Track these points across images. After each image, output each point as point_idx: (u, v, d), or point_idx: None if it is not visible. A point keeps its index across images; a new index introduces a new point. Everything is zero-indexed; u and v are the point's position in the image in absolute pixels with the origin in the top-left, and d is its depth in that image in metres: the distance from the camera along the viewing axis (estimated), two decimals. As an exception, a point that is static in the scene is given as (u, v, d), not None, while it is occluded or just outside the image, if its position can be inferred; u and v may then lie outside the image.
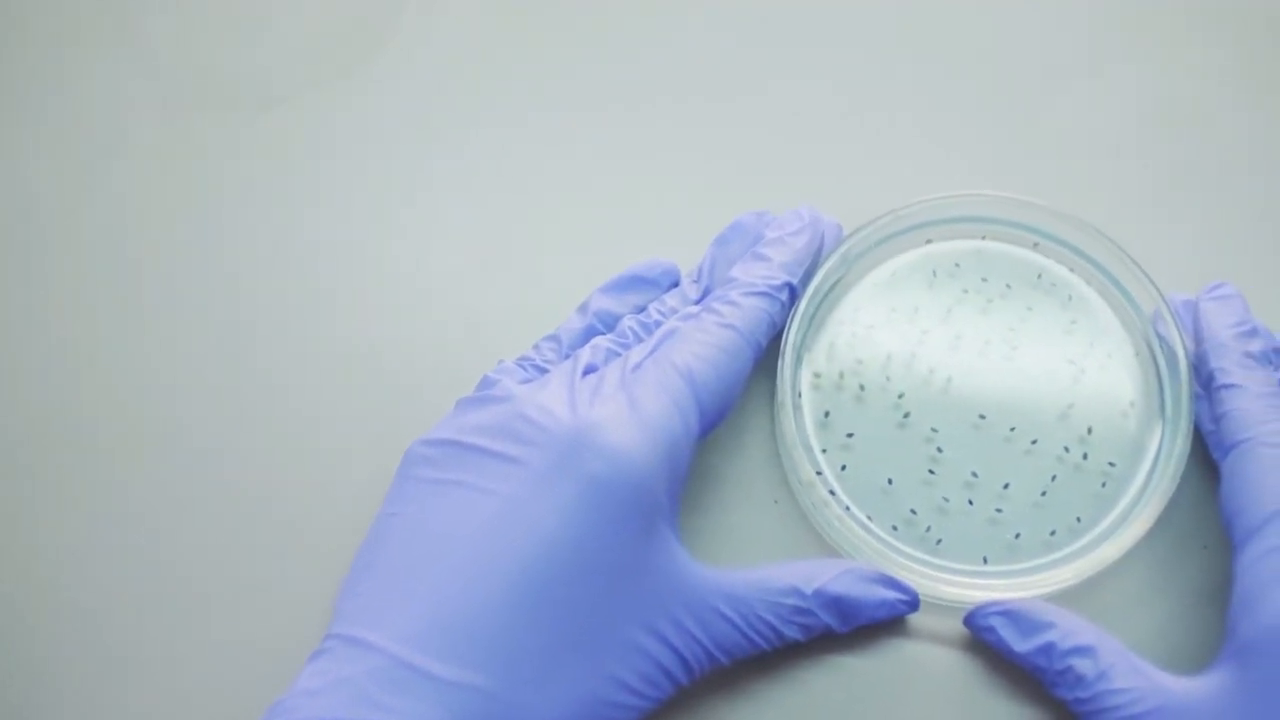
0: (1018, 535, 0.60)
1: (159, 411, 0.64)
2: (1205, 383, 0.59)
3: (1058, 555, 0.59)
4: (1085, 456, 0.61)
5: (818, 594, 0.56)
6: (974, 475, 0.60)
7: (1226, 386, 0.58)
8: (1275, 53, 0.72)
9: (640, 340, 0.59)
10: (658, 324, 0.60)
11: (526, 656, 0.52)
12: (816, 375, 0.62)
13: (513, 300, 0.65)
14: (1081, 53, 0.72)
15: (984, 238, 0.65)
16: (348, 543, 0.58)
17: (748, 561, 0.57)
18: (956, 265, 0.65)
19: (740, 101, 0.70)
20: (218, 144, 0.69)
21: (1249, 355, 0.59)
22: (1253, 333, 0.60)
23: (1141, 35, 0.73)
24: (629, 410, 0.54)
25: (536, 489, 0.53)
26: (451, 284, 0.66)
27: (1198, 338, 0.60)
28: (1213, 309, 0.60)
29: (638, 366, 0.57)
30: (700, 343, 0.57)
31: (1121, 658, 0.54)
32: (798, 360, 0.62)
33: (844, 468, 0.61)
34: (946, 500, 0.60)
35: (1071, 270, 0.64)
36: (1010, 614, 0.57)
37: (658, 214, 0.67)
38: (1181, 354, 0.60)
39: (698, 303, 0.61)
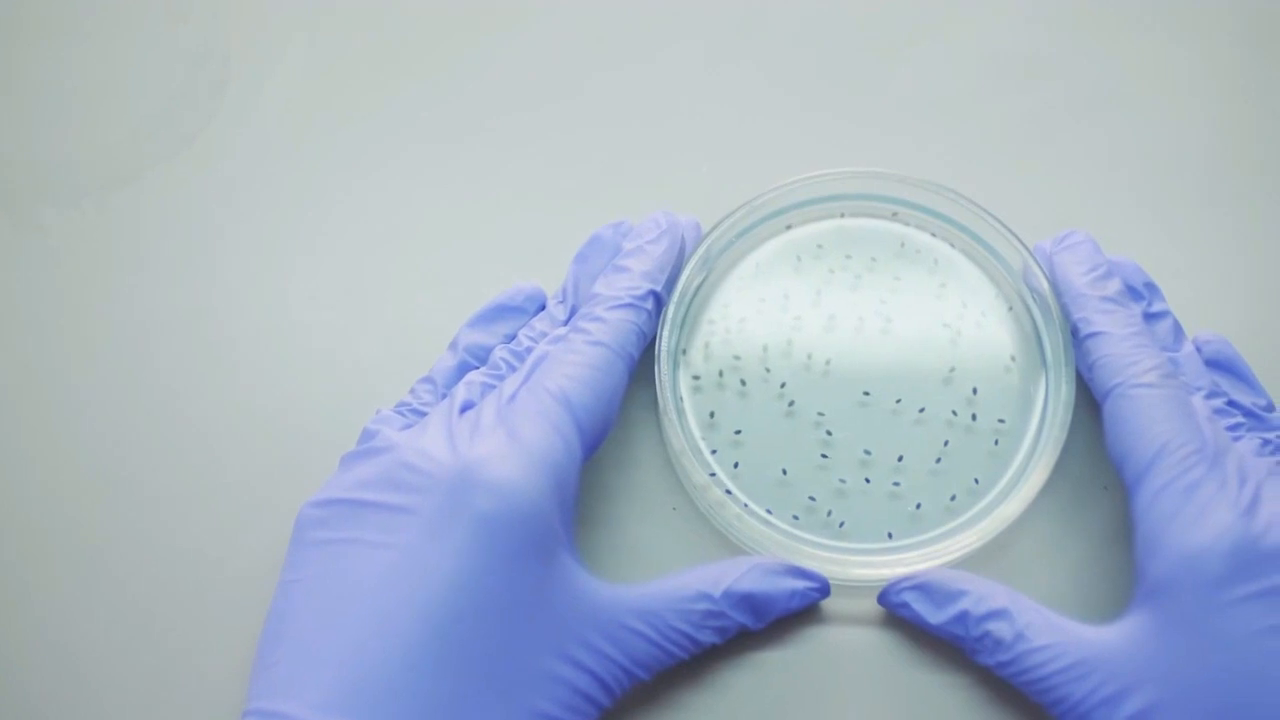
0: (918, 506, 0.59)
1: (33, 502, 0.62)
2: (1072, 334, 0.60)
3: (961, 519, 0.59)
4: (974, 417, 0.61)
5: (727, 595, 0.55)
6: (867, 453, 0.60)
7: (1091, 335, 0.58)
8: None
9: (514, 369, 0.59)
10: (529, 350, 0.59)
11: (443, 703, 0.51)
12: (695, 378, 0.62)
13: (386, 346, 0.65)
14: (915, 17, 0.73)
15: (843, 215, 0.65)
16: (251, 614, 0.57)
17: (655, 572, 0.57)
18: (819, 246, 0.65)
19: (580, 112, 0.70)
20: (67, 230, 0.68)
21: (1107, 299, 0.59)
22: (1107, 275, 0.60)
23: (971, -8, 0.73)
24: (509, 443, 0.54)
25: (429, 535, 0.53)
26: (321, 338, 0.65)
27: (1056, 291, 0.61)
28: (1065, 260, 0.61)
29: (513, 397, 0.56)
30: (571, 364, 0.57)
31: (1037, 615, 0.54)
32: (674, 365, 0.62)
33: (737, 465, 0.60)
34: (843, 482, 0.60)
35: (934, 235, 0.65)
36: (922, 587, 0.57)
37: (517, 238, 0.67)
38: (1054, 302, 0.60)
39: (566, 323, 0.60)
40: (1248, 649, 0.51)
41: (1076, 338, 0.59)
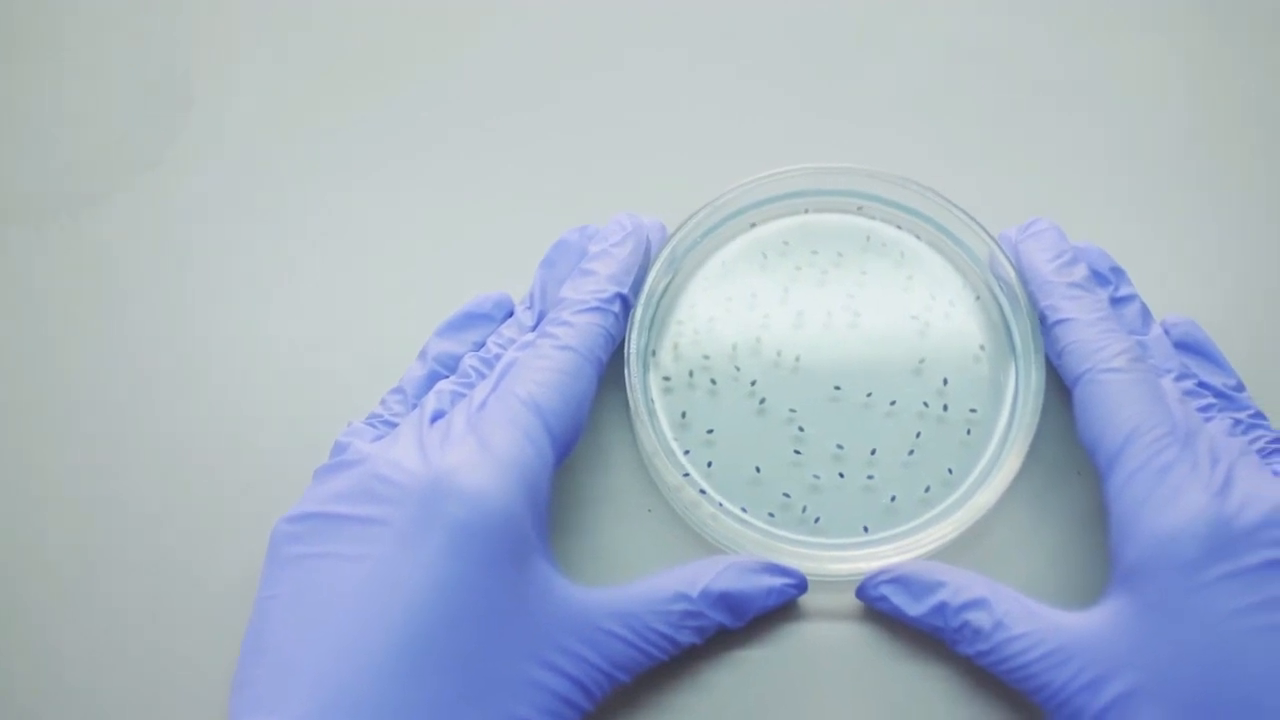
0: (893, 498, 0.60)
1: (6, 523, 0.62)
2: (1040, 321, 0.60)
3: (936, 511, 0.59)
4: (946, 408, 0.61)
5: (704, 594, 0.55)
6: (840, 447, 0.60)
7: (1059, 322, 0.59)
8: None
9: (483, 377, 0.59)
10: (498, 357, 0.59)
11: (422, 713, 0.51)
12: (666, 379, 0.62)
13: (357, 358, 0.65)
14: (876, 11, 0.73)
15: (807, 211, 0.65)
16: (230, 630, 0.57)
17: (632, 575, 0.57)
18: (785, 243, 0.65)
19: (541, 120, 0.70)
20: (37, 251, 0.68)
21: (1074, 285, 0.59)
22: (1073, 261, 0.60)
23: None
24: (480, 451, 0.54)
25: (403, 546, 0.53)
26: (292, 352, 0.65)
27: (1022, 279, 0.61)
28: (1030, 248, 0.61)
29: (483, 405, 0.56)
30: (540, 369, 0.57)
31: (1015, 603, 0.55)
32: (644, 367, 0.62)
33: (710, 465, 0.60)
34: (817, 478, 0.60)
35: (899, 228, 0.65)
36: (900, 580, 0.57)
37: (484, 246, 0.67)
38: (1021, 291, 0.60)
39: (534, 329, 0.60)
40: (1225, 629, 0.51)
41: (1044, 325, 0.59)
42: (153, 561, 0.61)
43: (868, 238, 0.65)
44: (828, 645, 0.58)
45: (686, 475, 0.60)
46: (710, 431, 0.61)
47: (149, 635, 0.60)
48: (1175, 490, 0.53)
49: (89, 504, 0.62)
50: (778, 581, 0.57)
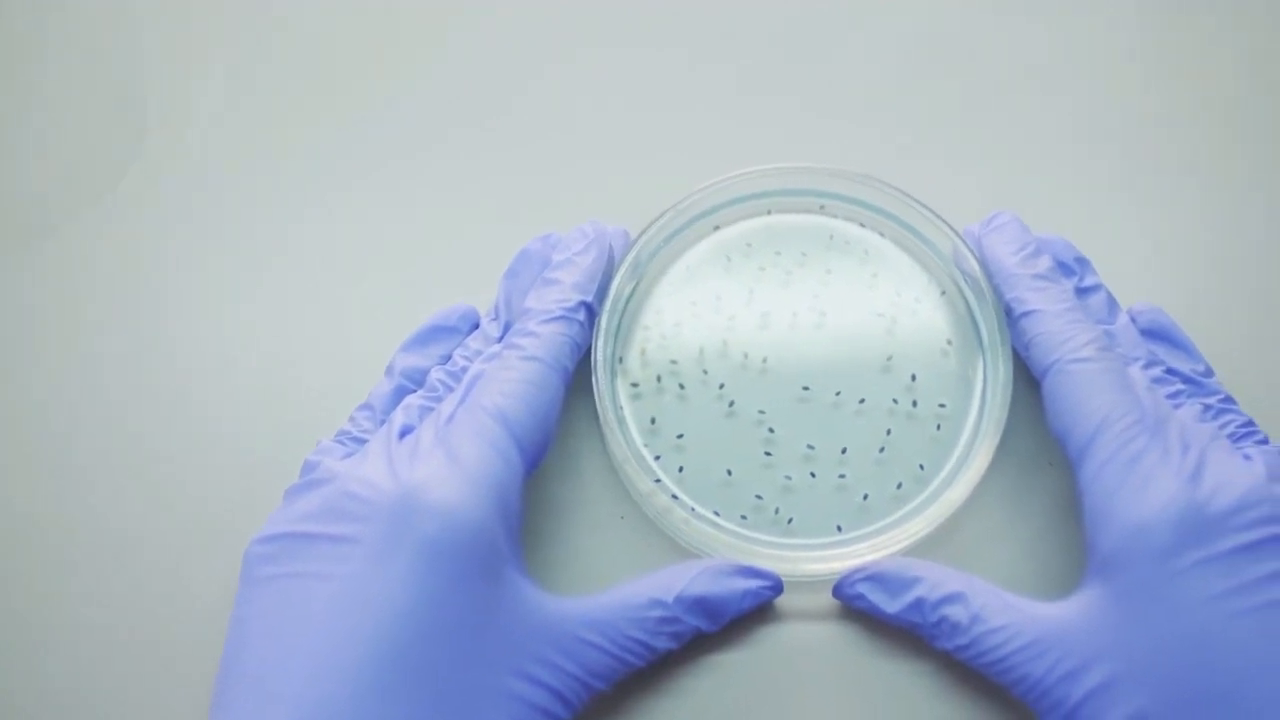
0: (865, 496, 0.59)
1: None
2: (1006, 314, 0.60)
3: (909, 507, 0.59)
4: (915, 404, 0.61)
5: (679, 600, 0.55)
6: (810, 447, 0.60)
7: (1025, 314, 0.59)
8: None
9: (450, 390, 0.59)
10: (465, 370, 0.59)
11: (400, 731, 0.51)
12: (634, 385, 0.62)
13: (324, 376, 0.64)
14: (829, 10, 0.73)
15: (770, 211, 0.65)
16: (206, 653, 0.57)
17: (608, 582, 0.56)
18: (749, 245, 0.65)
19: (500, 131, 0.70)
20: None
21: (1038, 277, 0.59)
22: (1036, 253, 0.60)
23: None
24: (449, 465, 0.54)
25: (375, 563, 0.52)
26: (259, 373, 0.65)
27: (987, 272, 0.61)
28: (994, 241, 0.61)
29: (450, 418, 0.56)
30: (506, 380, 0.56)
31: (993, 597, 0.55)
32: (611, 374, 0.62)
33: (681, 469, 0.60)
34: (789, 478, 0.60)
35: (862, 225, 0.65)
36: (876, 577, 0.57)
37: (448, 259, 0.67)
38: (986, 284, 0.60)
39: (500, 340, 0.60)
40: (1201, 615, 0.51)
41: (1011, 317, 0.59)
42: (127, 585, 0.61)
43: (831, 236, 0.65)
44: (806, 646, 0.58)
45: (658, 481, 0.60)
46: (680, 436, 0.61)
47: (124, 659, 0.59)
48: (1147, 478, 0.53)
49: (57, 530, 0.62)
50: (753, 584, 0.57)
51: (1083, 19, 0.72)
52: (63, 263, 0.68)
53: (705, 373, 0.62)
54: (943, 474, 0.60)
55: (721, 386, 0.61)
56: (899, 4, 0.73)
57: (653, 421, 0.61)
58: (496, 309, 0.61)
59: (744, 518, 0.59)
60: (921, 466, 0.60)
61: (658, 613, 0.55)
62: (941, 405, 0.61)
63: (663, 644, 0.55)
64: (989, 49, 0.72)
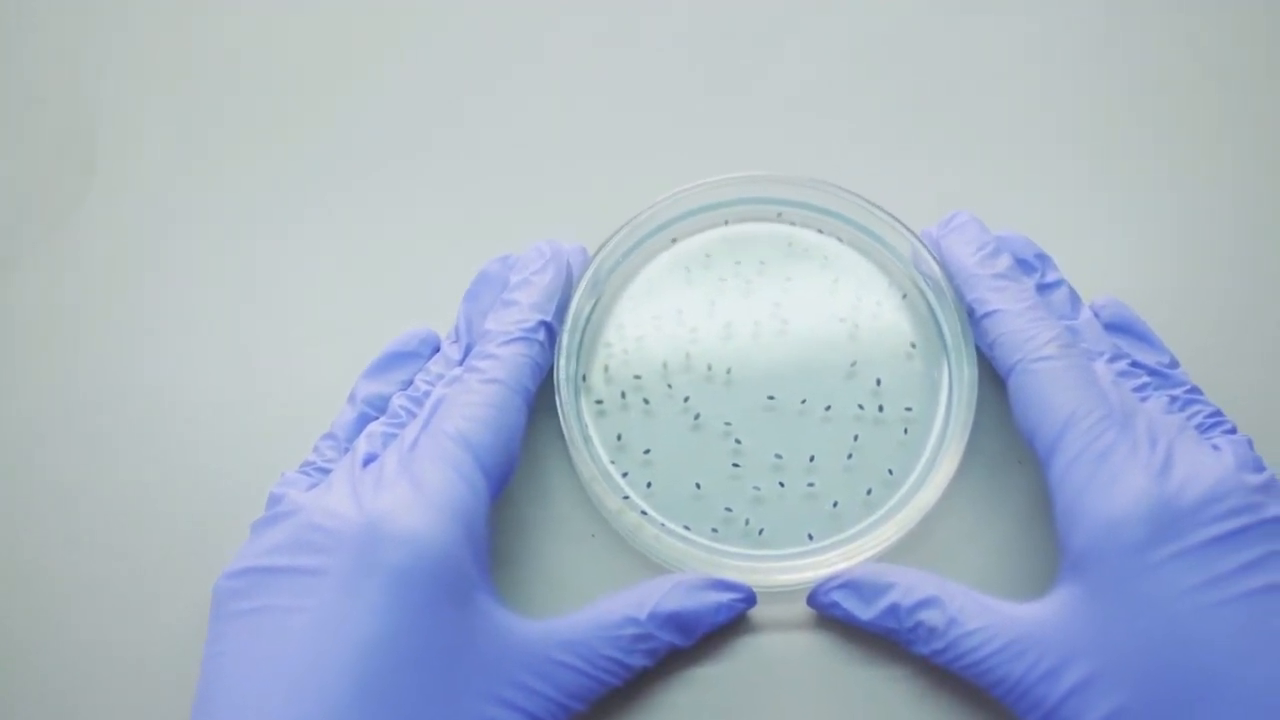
0: (835, 504, 0.59)
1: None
2: (969, 314, 0.60)
3: (879, 513, 0.59)
4: (881, 409, 0.61)
5: (652, 616, 0.55)
6: (778, 457, 0.60)
7: (987, 314, 0.59)
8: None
9: (413, 416, 0.58)
10: (427, 394, 0.59)
11: (374, 761, 0.50)
12: (599, 402, 0.61)
13: (286, 407, 0.64)
14: (773, 15, 0.73)
15: (727, 222, 0.65)
16: (180, 691, 0.56)
17: (581, 602, 0.56)
18: (708, 256, 0.64)
19: (454, 152, 0.70)
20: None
21: (999, 276, 0.59)
22: (996, 252, 0.60)
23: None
24: (413, 492, 0.53)
25: (343, 595, 0.52)
26: (220, 408, 0.64)
27: (948, 274, 0.61)
28: (953, 242, 0.61)
29: (414, 444, 0.56)
30: (468, 404, 0.56)
31: (968, 599, 0.54)
32: (575, 393, 0.61)
33: (650, 485, 0.60)
34: (758, 489, 0.60)
35: (821, 231, 0.65)
36: (850, 585, 0.56)
37: (406, 284, 0.66)
38: (947, 286, 0.60)
39: (461, 363, 0.60)
40: (1175, 609, 0.51)
41: (973, 318, 0.59)
42: (93, 631, 0.60)
43: (790, 244, 0.64)
44: (782, 656, 0.58)
45: (626, 498, 0.60)
46: (647, 452, 0.60)
47: (96, 698, 0.59)
48: (1116, 474, 0.53)
49: (16, 575, 0.61)
50: (725, 597, 0.57)
51: (1035, 16, 0.72)
52: (12, 300, 0.67)
53: (670, 386, 0.61)
54: (912, 478, 0.60)
55: (686, 399, 0.61)
56: (848, 5, 0.73)
57: (619, 438, 0.61)
58: (457, 331, 0.61)
59: (715, 530, 0.59)
60: (890, 471, 0.60)
61: (631, 630, 0.55)
62: (908, 409, 0.61)
63: (638, 661, 0.55)
64: (939, 49, 0.72)
